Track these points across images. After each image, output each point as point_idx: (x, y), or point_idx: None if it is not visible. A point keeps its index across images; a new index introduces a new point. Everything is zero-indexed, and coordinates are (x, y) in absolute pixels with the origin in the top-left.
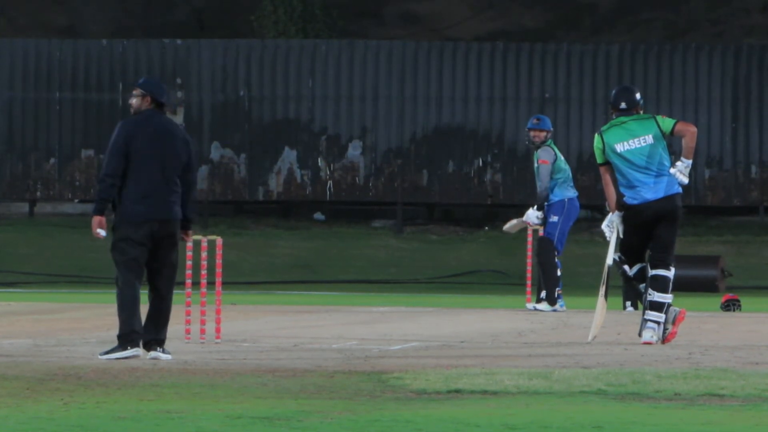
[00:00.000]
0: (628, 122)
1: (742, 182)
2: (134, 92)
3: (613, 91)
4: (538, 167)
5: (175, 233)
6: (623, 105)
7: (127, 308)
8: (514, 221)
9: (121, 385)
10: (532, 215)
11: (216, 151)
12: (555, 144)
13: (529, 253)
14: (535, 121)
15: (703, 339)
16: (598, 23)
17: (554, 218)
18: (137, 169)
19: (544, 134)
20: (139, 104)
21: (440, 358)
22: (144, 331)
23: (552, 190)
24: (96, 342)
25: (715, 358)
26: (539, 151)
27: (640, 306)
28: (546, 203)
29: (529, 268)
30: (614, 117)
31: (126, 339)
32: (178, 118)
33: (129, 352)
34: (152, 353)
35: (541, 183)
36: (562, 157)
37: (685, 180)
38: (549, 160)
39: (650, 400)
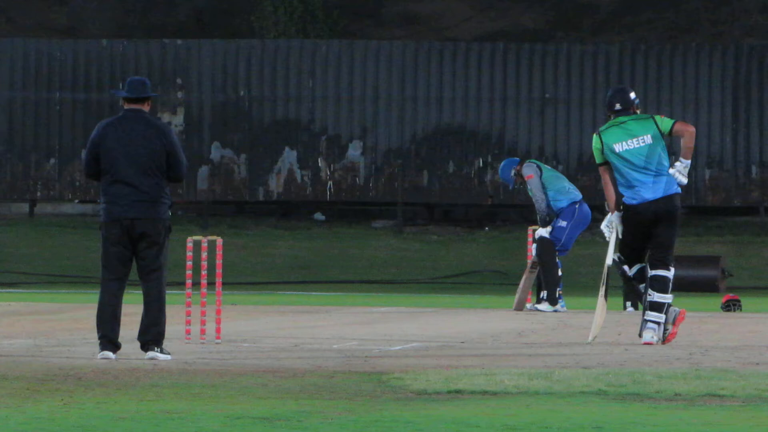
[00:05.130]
0: (627, 122)
1: (743, 182)
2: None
3: (608, 93)
4: (528, 188)
5: (146, 233)
6: (618, 106)
7: (98, 311)
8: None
9: (121, 386)
10: (544, 233)
11: (216, 151)
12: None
13: (529, 254)
14: (512, 173)
15: (703, 339)
16: (598, 23)
17: (563, 223)
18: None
19: (519, 173)
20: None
21: (440, 358)
22: (138, 332)
23: (555, 199)
24: (96, 342)
25: (716, 359)
26: (522, 169)
27: (640, 306)
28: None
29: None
30: (612, 118)
31: (99, 341)
32: (178, 118)
33: (100, 354)
34: (149, 353)
35: (537, 199)
36: (551, 169)
37: (684, 180)
38: (533, 174)
39: (650, 401)
